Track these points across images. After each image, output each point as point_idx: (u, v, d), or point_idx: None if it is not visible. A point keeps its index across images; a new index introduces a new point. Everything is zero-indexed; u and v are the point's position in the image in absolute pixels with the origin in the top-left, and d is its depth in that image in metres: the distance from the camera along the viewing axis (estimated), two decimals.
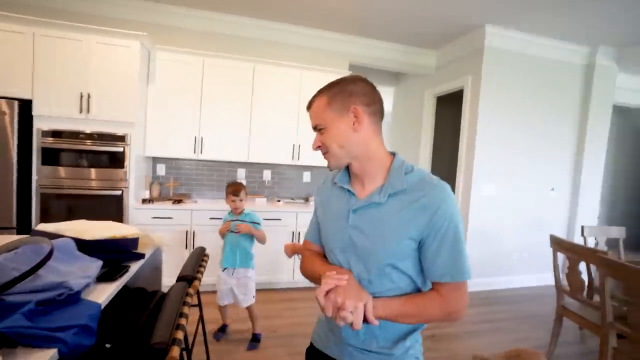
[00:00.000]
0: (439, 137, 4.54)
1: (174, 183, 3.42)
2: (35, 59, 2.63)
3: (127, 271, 1.28)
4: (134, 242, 1.46)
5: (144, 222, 2.86)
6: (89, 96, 2.70)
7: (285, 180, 3.79)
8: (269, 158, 3.43)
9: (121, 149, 2.80)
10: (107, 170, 2.80)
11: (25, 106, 2.62)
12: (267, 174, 3.73)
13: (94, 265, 1.18)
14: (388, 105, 6.06)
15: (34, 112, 2.65)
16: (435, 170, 4.44)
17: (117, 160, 2.81)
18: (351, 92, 0.79)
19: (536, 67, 3.52)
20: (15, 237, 1.61)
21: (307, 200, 3.72)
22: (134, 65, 2.79)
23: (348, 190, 0.85)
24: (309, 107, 0.86)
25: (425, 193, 0.76)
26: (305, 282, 3.28)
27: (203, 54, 3.17)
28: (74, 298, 1.01)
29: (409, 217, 0.75)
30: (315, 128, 0.83)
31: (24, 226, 2.67)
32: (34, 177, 2.68)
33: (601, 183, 3.87)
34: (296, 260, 3.23)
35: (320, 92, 0.83)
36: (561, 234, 3.73)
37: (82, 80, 2.70)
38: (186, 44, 3.33)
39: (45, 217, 2.68)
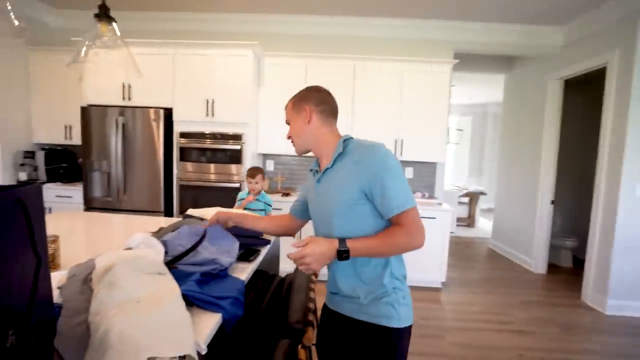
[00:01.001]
0: (562, 130, 3.85)
1: (282, 177, 3.69)
2: (175, 74, 3.15)
3: (259, 254, 1.42)
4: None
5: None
6: (213, 102, 3.11)
7: None
8: None
9: (238, 147, 3.15)
10: (227, 166, 3.18)
11: (168, 113, 3.16)
12: None
13: (235, 246, 1.35)
14: (497, 95, 5.46)
15: (174, 118, 3.17)
16: (562, 170, 3.82)
17: (235, 157, 3.17)
18: (306, 97, 1.10)
19: None
20: (170, 220, 1.94)
21: None
22: (247, 72, 3.11)
23: (316, 171, 1.12)
24: (285, 108, 1.16)
25: (360, 152, 1.00)
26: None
27: (305, 56, 3.34)
28: (223, 273, 1.16)
29: (351, 171, 0.98)
30: (287, 123, 1.14)
31: (168, 211, 3.23)
32: (175, 171, 3.21)
33: None
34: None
35: (292, 98, 1.14)
36: None
37: (207, 89, 3.12)
38: (290, 48, 3.55)
39: (182, 204, 3.19)
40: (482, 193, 6.18)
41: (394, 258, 1.02)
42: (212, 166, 3.19)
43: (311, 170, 1.16)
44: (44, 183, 3.39)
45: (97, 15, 1.42)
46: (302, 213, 1.26)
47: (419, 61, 3.29)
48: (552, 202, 3.74)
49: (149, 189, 3.16)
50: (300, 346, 1.00)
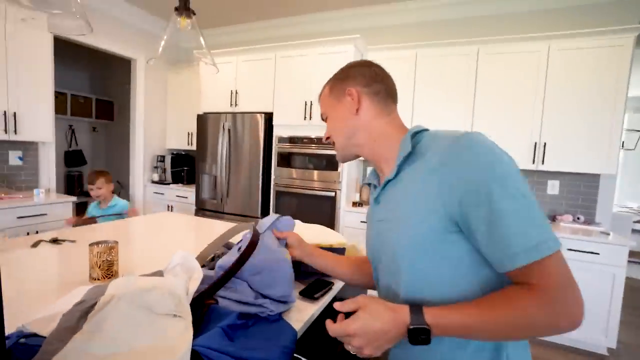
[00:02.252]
0: None
1: None
2: (275, 78, 3.11)
3: (330, 289, 1.08)
4: (340, 252, 1.27)
5: (353, 225, 2.84)
6: (311, 104, 2.94)
7: None
8: None
9: (335, 152, 2.88)
10: (323, 173, 2.95)
11: (269, 118, 3.14)
12: None
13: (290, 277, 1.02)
14: None
15: (274, 122, 3.13)
16: None
17: (332, 163, 2.91)
18: (347, 75, 0.76)
19: None
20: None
21: (554, 219, 2.69)
22: None
23: (374, 186, 0.78)
24: (318, 98, 0.84)
25: (441, 150, 0.58)
26: None
27: (415, 46, 2.85)
28: (273, 317, 0.85)
29: (429, 184, 0.58)
30: (322, 118, 0.82)
31: (265, 216, 3.20)
32: (272, 176, 3.17)
33: None
34: None
35: (326, 83, 0.81)
36: None
37: (306, 90, 2.97)
38: (397, 39, 3.13)
39: (277, 211, 3.12)
40: None
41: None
42: (308, 172, 3.02)
43: (368, 184, 0.81)
44: (169, 184, 3.84)
45: (176, 9, 1.33)
46: None
47: (576, 35, 2.39)
48: None
49: (248, 193, 3.20)
50: None
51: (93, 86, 4.89)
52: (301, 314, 0.91)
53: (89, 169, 3.74)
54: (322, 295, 1.02)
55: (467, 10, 2.93)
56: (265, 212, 3.22)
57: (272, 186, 3.19)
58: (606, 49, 2.34)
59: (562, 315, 0.50)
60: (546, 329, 0.51)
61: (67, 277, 1.09)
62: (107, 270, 1.07)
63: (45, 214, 2.54)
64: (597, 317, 2.21)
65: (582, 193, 2.71)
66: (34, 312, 0.74)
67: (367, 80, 0.74)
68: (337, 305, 0.61)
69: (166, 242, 1.56)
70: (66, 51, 3.99)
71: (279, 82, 3.10)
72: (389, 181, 0.69)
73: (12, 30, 2.44)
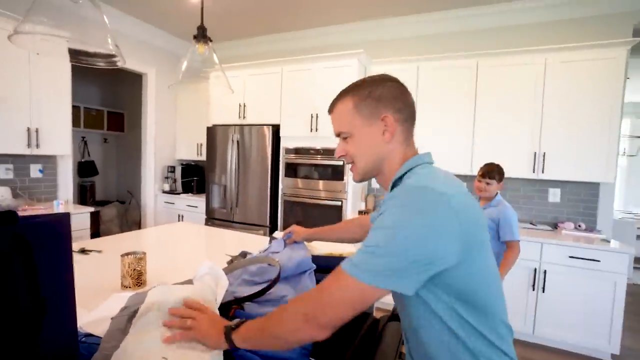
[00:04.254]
0: None
1: None
2: (282, 91, 3.24)
3: None
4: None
5: None
6: (317, 116, 3.05)
7: (522, 199, 2.96)
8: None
9: (341, 163, 2.99)
10: (330, 182, 3.05)
11: (276, 130, 3.25)
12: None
13: (311, 282, 1.12)
14: None
15: (281, 134, 3.24)
16: None
17: (338, 173, 3.01)
18: (380, 96, 0.72)
19: None
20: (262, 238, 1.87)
21: (555, 227, 2.76)
22: (351, 82, 2.93)
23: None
24: (330, 110, 0.79)
25: (400, 188, 0.65)
26: (544, 340, 2.40)
27: (416, 60, 2.96)
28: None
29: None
30: (338, 135, 0.78)
31: (274, 226, 3.30)
32: (280, 186, 3.27)
33: None
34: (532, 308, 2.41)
35: (344, 94, 0.76)
36: None
37: (312, 103, 3.08)
38: (399, 53, 3.25)
39: (286, 220, 3.21)
40: None
41: (469, 325, 0.62)
42: (316, 182, 3.11)
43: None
44: (179, 193, 3.95)
45: (195, 37, 1.45)
46: None
47: (572, 48, 2.49)
48: None
49: (257, 203, 3.30)
50: None
51: (104, 99, 5.05)
52: None
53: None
54: None
55: (466, 24, 3.04)
56: (273, 221, 3.31)
57: (279, 196, 3.28)
58: (601, 61, 2.43)
59: (306, 319, 0.60)
60: (297, 329, 0.61)
61: (101, 284, 1.18)
62: (137, 279, 1.17)
63: None
64: (599, 323, 2.26)
65: (582, 201, 2.77)
66: (80, 316, 0.84)
67: (400, 105, 0.72)
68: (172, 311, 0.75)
69: (185, 251, 1.66)
70: (79, 66, 4.15)
71: (285, 95, 3.22)
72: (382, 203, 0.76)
73: (35, 57, 2.60)
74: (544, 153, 2.59)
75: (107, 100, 5.08)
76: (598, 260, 2.23)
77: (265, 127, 3.22)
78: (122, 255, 1.18)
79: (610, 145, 2.44)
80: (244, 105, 3.42)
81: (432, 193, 0.59)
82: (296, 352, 0.81)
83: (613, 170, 2.45)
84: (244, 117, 3.43)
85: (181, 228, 2.15)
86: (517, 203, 2.93)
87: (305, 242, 1.41)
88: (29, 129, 2.61)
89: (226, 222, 3.42)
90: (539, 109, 2.60)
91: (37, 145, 2.67)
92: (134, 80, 4.30)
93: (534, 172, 2.62)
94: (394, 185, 0.73)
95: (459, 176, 2.99)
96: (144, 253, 1.23)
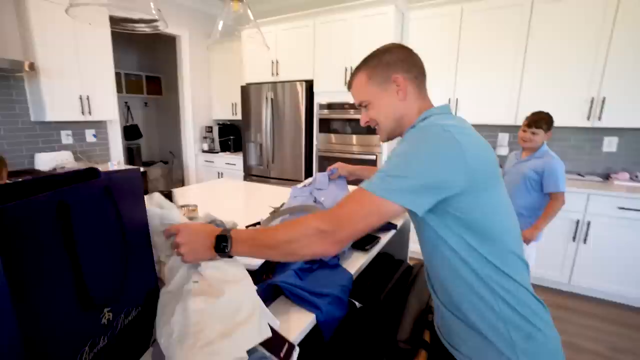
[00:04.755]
0: None
1: None
2: (315, 45, 3.14)
3: (378, 242, 1.23)
4: None
5: None
6: (351, 69, 2.96)
7: (571, 150, 2.77)
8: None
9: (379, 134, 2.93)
10: (366, 137, 3.03)
11: (309, 86, 3.22)
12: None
13: None
14: None
15: (314, 90, 3.21)
16: None
17: (372, 128, 2.97)
18: (388, 62, 0.80)
19: None
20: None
21: (607, 177, 2.60)
22: (387, 31, 2.79)
23: None
24: (349, 87, 0.88)
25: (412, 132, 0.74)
26: (582, 290, 2.38)
27: (461, 1, 2.70)
28: (332, 263, 1.02)
29: None
30: (360, 105, 0.87)
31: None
32: (315, 142, 3.31)
33: None
34: (570, 255, 2.37)
35: (357, 71, 0.84)
36: None
37: (346, 56, 2.98)
38: None
39: None
40: None
41: (478, 253, 0.67)
42: (350, 137, 3.12)
43: None
44: (217, 152, 4.14)
45: None
46: None
47: None
48: None
49: (292, 159, 3.39)
50: None
51: (141, 64, 5.20)
52: (354, 262, 1.08)
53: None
54: (372, 247, 1.18)
55: None
56: (309, 176, 3.40)
57: (314, 152, 3.34)
58: None
59: (311, 229, 0.66)
60: (314, 244, 0.66)
61: None
62: None
63: None
64: (638, 272, 2.20)
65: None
66: None
67: (408, 65, 0.80)
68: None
69: (229, 204, 1.79)
70: (115, 34, 4.25)
71: (318, 49, 3.14)
72: None
73: (79, 28, 2.71)
74: (604, 98, 2.36)
75: (144, 65, 5.23)
76: None
77: (298, 83, 3.20)
78: (180, 206, 1.31)
79: None
80: (277, 62, 3.39)
81: (440, 129, 0.67)
82: (337, 289, 0.90)
83: None
84: (277, 74, 3.42)
85: (222, 184, 2.29)
86: (566, 154, 2.75)
87: None
88: (81, 97, 2.80)
89: (263, 178, 3.57)
90: (604, 50, 2.32)
91: (90, 112, 2.88)
92: (168, 44, 4.35)
93: (588, 119, 2.43)
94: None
95: (502, 127, 2.87)
96: (196, 205, 1.35)
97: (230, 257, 0.73)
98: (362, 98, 0.85)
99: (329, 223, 0.66)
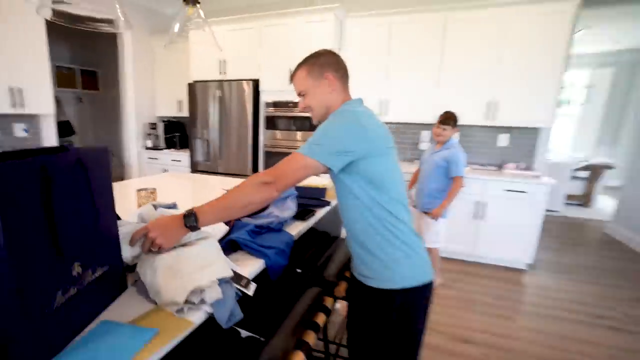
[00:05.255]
0: None
1: None
2: (262, 46, 3.37)
3: (313, 214, 1.51)
4: (321, 191, 1.71)
5: None
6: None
7: (476, 144, 3.37)
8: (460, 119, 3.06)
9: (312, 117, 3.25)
10: (307, 133, 3.33)
11: (256, 85, 3.42)
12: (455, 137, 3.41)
13: (293, 204, 1.46)
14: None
15: (261, 88, 3.42)
16: None
17: (314, 125, 3.27)
18: (322, 63, 1.04)
19: None
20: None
21: (500, 167, 3.22)
22: (327, 37, 3.12)
23: None
24: (291, 79, 1.10)
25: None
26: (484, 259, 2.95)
27: (390, 14, 3.12)
28: (277, 227, 1.28)
29: None
30: (299, 94, 1.09)
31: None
32: (261, 138, 3.52)
33: None
34: (471, 230, 2.93)
35: (299, 66, 1.07)
36: None
37: (290, 57, 3.22)
38: (377, 5, 3.34)
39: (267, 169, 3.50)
40: (608, 167, 5.05)
41: (376, 200, 0.96)
42: (294, 133, 3.38)
43: None
44: (162, 149, 4.13)
45: (184, 0, 1.61)
46: None
47: (525, 2, 2.72)
48: None
49: (239, 154, 3.56)
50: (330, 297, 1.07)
51: (75, 57, 4.91)
52: (296, 228, 1.34)
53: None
54: (309, 217, 1.46)
55: None
56: (255, 171, 3.60)
57: (260, 147, 3.55)
58: (550, 15, 2.70)
59: (255, 179, 0.91)
60: (250, 192, 0.90)
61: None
62: None
63: None
64: (519, 240, 2.84)
65: (525, 145, 3.22)
66: None
67: (337, 67, 1.06)
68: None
69: (180, 193, 1.95)
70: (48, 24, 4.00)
71: (264, 50, 3.36)
72: None
73: (11, 16, 2.59)
74: (497, 102, 2.95)
75: (78, 58, 4.93)
76: (525, 192, 2.73)
77: (245, 82, 3.38)
78: (138, 190, 1.46)
79: (549, 95, 2.81)
80: (225, 61, 3.53)
81: (349, 112, 0.98)
82: (282, 244, 1.16)
83: (552, 116, 2.85)
84: (224, 73, 3.56)
85: (167, 176, 2.40)
86: (471, 148, 3.34)
87: None
88: (11, 88, 2.68)
89: (210, 174, 3.68)
90: (495, 62, 2.90)
91: (22, 105, 2.76)
92: (106, 38, 4.21)
93: (487, 119, 3.00)
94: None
95: (424, 125, 3.36)
96: (154, 188, 1.51)
97: (199, 229, 0.88)
98: (301, 88, 1.07)
99: (271, 176, 0.91)
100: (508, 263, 2.96)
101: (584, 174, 5.15)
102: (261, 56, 3.38)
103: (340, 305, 2.09)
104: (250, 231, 1.18)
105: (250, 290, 0.89)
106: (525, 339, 2.02)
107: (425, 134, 3.47)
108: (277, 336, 0.87)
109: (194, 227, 0.86)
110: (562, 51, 2.73)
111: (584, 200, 5.17)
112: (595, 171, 5.07)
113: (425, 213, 2.43)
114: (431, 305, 1.04)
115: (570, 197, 5.07)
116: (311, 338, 0.99)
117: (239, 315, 0.80)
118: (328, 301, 1.10)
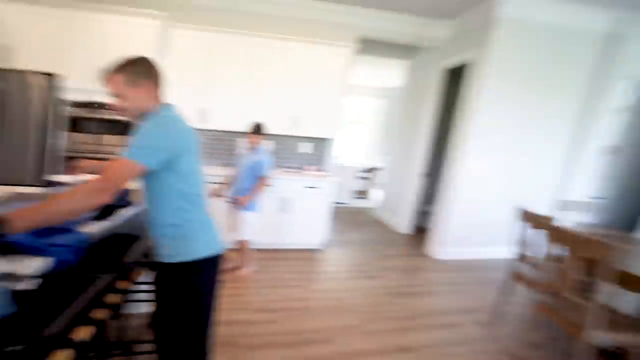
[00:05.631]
0: (448, 113, 4.46)
1: None
2: (70, 40, 3.06)
3: (115, 212, 1.60)
4: (125, 191, 1.80)
5: None
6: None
7: (283, 151, 4.04)
8: (271, 129, 3.45)
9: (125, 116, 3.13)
10: (120, 137, 3.17)
11: (53, 80, 2.94)
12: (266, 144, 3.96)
13: None
14: (398, 80, 5.91)
15: (65, 86, 2.97)
16: (441, 147, 4.49)
17: (127, 127, 3.15)
18: (139, 70, 1.15)
19: (547, 37, 3.35)
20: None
21: (302, 169, 4.00)
22: (150, 42, 3.12)
23: None
24: (107, 80, 1.15)
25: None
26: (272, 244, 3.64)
27: (215, 31, 3.35)
28: (69, 228, 1.34)
29: None
30: (115, 95, 1.16)
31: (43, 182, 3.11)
32: (59, 140, 3.07)
33: (603, 161, 3.68)
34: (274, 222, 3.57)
35: (116, 71, 1.14)
36: (547, 210, 3.68)
37: (104, 57, 2.88)
38: (204, 21, 3.50)
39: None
40: (380, 169, 6.98)
41: (183, 191, 1.17)
42: (104, 137, 3.15)
43: None
44: None
45: None
46: None
47: (322, 43, 3.55)
48: (429, 175, 4.54)
49: (17, 160, 2.97)
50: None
51: None
52: (94, 227, 1.41)
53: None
54: (110, 216, 1.56)
55: (256, 5, 3.65)
56: (41, 179, 3.11)
57: (59, 150, 3.10)
58: (334, 55, 3.62)
59: (92, 185, 0.99)
60: (90, 194, 0.98)
61: None
62: None
63: None
64: (315, 227, 3.66)
65: (320, 152, 4.14)
66: None
67: (152, 74, 1.18)
68: None
69: None
70: None
71: (71, 44, 3.03)
72: None
73: None
74: (298, 117, 3.67)
75: None
76: (317, 188, 3.56)
77: (42, 75, 2.87)
78: None
79: (335, 114, 3.76)
80: (7, 47, 2.92)
81: (163, 117, 1.14)
82: (61, 249, 1.22)
83: (335, 131, 3.84)
84: (6, 60, 2.93)
85: None
86: (279, 153, 4.01)
87: None
88: None
89: None
90: (294, 84, 3.60)
91: None
92: None
93: (291, 129, 3.70)
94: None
95: (239, 133, 3.78)
96: None
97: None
98: (117, 91, 1.15)
99: (102, 182, 1.01)
100: (308, 245, 3.72)
101: (366, 174, 7.05)
102: (69, 50, 3.02)
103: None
104: (32, 232, 1.20)
105: (26, 285, 0.92)
106: (316, 299, 2.69)
107: (241, 141, 3.89)
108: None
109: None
110: (341, 82, 3.70)
111: (364, 194, 7.01)
112: (372, 172, 7.00)
113: (236, 202, 2.83)
114: (222, 274, 1.33)
115: (357, 192, 6.82)
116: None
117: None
118: (123, 284, 1.25)
